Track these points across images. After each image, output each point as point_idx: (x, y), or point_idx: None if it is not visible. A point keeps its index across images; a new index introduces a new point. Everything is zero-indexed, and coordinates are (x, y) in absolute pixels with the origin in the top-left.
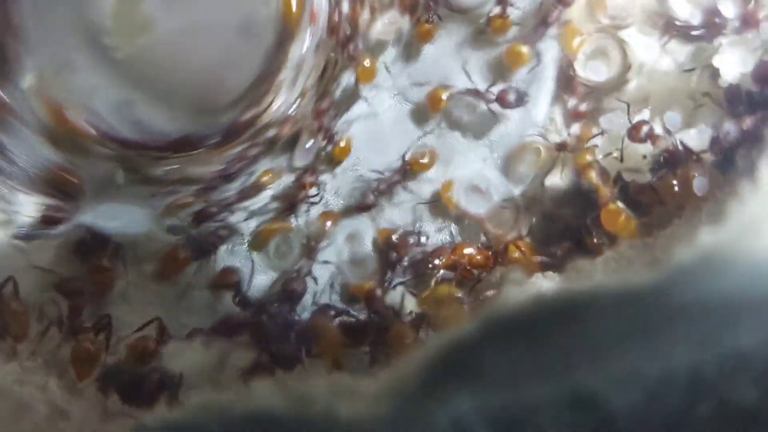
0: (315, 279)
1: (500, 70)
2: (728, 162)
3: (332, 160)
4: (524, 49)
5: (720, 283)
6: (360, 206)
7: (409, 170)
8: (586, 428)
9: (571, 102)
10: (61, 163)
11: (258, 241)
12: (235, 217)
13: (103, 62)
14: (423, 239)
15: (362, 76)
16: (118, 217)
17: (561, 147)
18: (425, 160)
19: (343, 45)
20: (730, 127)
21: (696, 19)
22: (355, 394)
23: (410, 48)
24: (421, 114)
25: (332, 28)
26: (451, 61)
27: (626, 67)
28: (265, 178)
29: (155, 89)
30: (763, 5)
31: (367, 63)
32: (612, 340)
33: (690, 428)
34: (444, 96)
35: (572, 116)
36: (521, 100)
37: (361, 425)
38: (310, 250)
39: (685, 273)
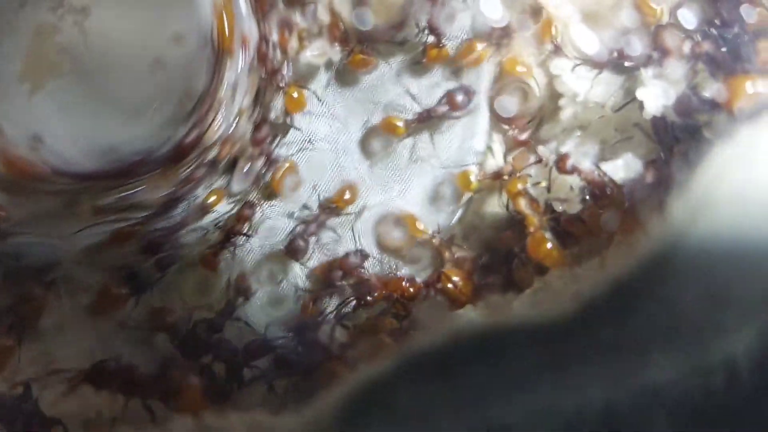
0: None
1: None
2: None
3: (268, 191)
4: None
5: (632, 318)
6: (290, 251)
7: (333, 208)
8: None
9: (510, 131)
10: None
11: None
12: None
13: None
14: (365, 267)
15: (291, 106)
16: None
17: (497, 175)
18: (347, 196)
19: (272, 74)
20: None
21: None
22: (273, 431)
23: (345, 76)
24: (364, 143)
25: (261, 56)
26: (390, 88)
27: (536, 107)
28: (211, 200)
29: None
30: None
31: (295, 95)
32: (527, 375)
33: None
34: (399, 123)
35: (512, 144)
36: (470, 97)
37: None
38: (237, 291)
39: (598, 307)
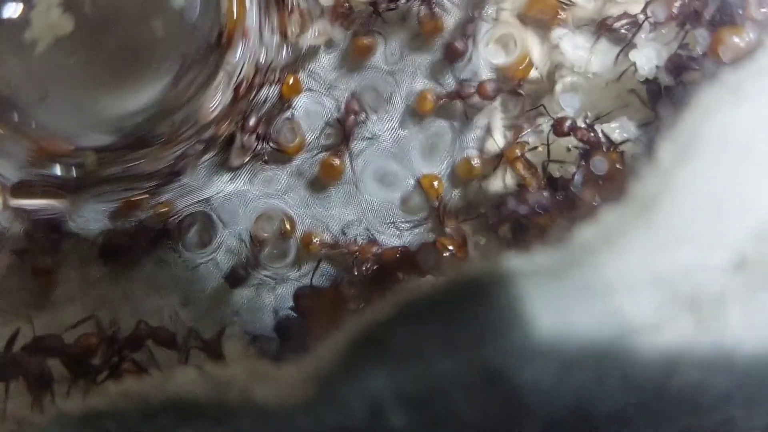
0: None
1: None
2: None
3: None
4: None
5: (620, 259)
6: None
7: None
8: (495, 402)
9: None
10: None
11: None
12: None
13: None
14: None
15: (287, 92)
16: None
17: (498, 158)
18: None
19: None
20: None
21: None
22: (273, 378)
23: (348, 60)
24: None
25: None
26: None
27: (523, 55)
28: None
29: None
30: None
31: (290, 81)
32: (521, 316)
33: (599, 400)
34: (430, 97)
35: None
36: (497, 90)
37: (279, 408)
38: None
39: (588, 250)
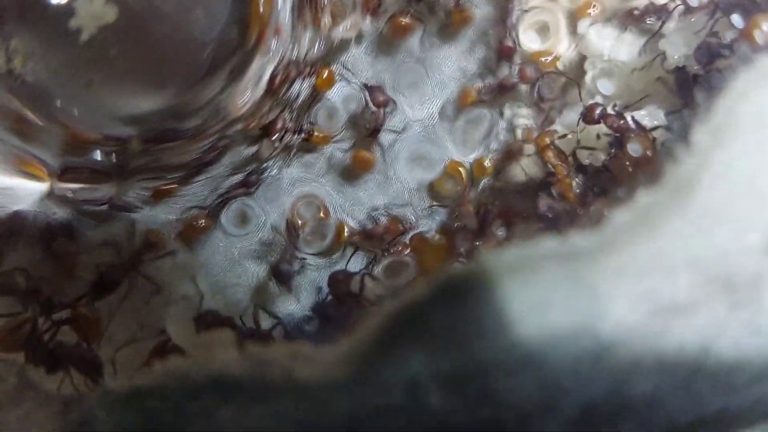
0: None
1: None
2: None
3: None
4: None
5: (656, 241)
6: None
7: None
8: (533, 383)
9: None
10: None
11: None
12: None
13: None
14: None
15: (320, 85)
16: None
17: (509, 155)
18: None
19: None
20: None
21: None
22: (314, 359)
23: (379, 47)
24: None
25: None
26: (432, 57)
27: (558, 40)
28: None
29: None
30: None
31: (325, 74)
32: (556, 299)
33: (635, 382)
34: (473, 91)
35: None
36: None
37: (319, 387)
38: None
39: (624, 232)
